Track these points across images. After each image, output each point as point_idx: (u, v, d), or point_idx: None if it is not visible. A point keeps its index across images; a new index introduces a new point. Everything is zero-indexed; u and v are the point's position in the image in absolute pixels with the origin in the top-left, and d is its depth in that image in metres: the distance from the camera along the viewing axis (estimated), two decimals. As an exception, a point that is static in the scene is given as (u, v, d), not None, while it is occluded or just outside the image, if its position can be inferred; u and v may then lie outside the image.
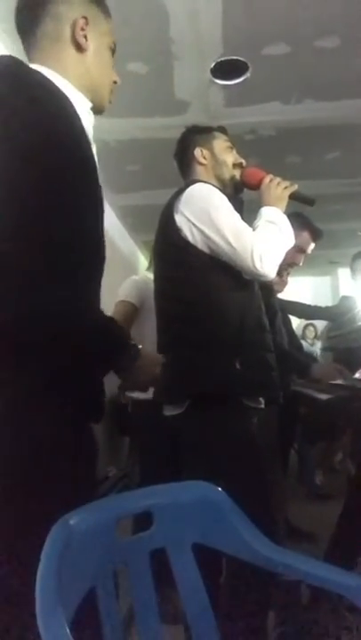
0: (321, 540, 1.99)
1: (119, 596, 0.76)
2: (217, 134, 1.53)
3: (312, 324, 6.47)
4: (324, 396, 1.74)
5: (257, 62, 2.45)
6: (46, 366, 0.80)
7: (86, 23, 0.95)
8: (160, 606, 0.82)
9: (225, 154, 1.51)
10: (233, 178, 1.49)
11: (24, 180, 0.76)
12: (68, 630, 0.55)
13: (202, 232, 1.33)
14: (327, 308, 4.05)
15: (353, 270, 3.14)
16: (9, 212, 0.76)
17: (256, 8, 2.09)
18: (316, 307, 3.81)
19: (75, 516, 0.72)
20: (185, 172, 1.55)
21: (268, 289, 1.81)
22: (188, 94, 2.70)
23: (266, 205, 1.40)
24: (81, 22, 0.94)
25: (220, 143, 1.52)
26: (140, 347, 0.95)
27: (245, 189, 1.52)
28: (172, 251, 1.39)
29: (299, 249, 2.02)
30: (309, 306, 3.66)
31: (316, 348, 6.06)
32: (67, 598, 0.63)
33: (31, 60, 0.96)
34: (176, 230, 1.37)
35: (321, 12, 2.12)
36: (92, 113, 1.02)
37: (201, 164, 1.50)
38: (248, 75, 2.54)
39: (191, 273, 1.36)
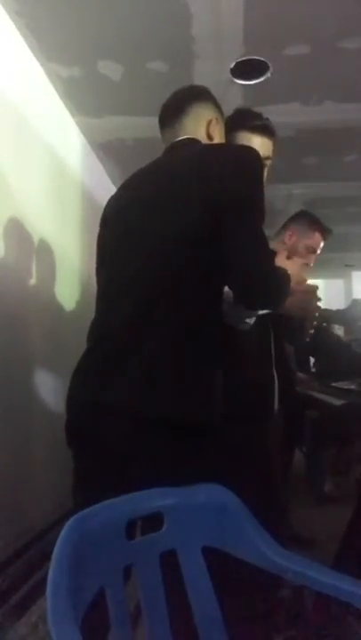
0: (323, 545, 1.97)
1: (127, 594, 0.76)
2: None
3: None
4: (337, 402, 1.72)
5: (278, 62, 2.44)
6: None
7: (217, 122, 1.26)
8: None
9: None
10: None
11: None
12: (78, 629, 0.56)
13: None
14: (338, 311, 4.02)
15: None
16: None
17: (278, 8, 2.08)
18: (326, 309, 3.78)
19: (86, 515, 0.72)
20: None
21: None
22: (207, 93, 2.69)
23: None
24: (214, 121, 1.25)
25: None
26: None
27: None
28: None
29: (311, 249, 2.00)
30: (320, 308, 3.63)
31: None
32: (78, 596, 0.63)
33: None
34: None
35: (343, 12, 2.10)
36: None
37: None
38: (268, 75, 2.53)
39: None
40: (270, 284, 1.08)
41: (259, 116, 1.47)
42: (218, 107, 1.29)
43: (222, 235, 1.02)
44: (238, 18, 2.13)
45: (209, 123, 1.25)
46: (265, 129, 1.44)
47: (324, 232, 2.06)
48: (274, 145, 1.47)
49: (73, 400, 1.09)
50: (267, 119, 1.46)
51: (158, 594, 0.80)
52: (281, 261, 1.28)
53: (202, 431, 1.00)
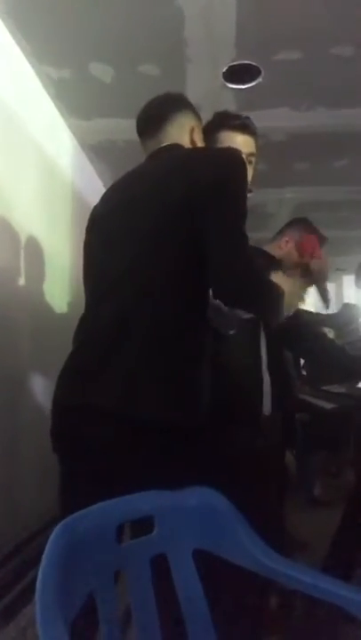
0: (314, 549, 1.97)
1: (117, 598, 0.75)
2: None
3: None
4: (328, 405, 1.72)
5: (270, 67, 2.45)
6: None
7: (199, 128, 1.30)
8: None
9: None
10: None
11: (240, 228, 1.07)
12: (67, 634, 0.55)
13: None
14: (330, 315, 4.02)
15: (358, 278, 3.12)
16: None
17: (270, 13, 2.09)
18: (318, 314, 3.79)
19: (76, 518, 0.71)
20: None
21: None
22: (199, 97, 2.67)
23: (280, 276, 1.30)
24: (196, 129, 1.28)
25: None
26: None
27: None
28: None
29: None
30: (311, 312, 3.64)
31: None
32: (67, 600, 0.62)
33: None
34: None
35: (336, 19, 2.11)
36: None
37: None
38: (260, 79, 2.54)
39: None
40: (247, 281, 1.06)
41: (237, 115, 1.49)
42: (197, 114, 1.31)
43: (202, 234, 1.02)
44: (231, 22, 2.14)
45: (192, 130, 1.27)
46: (245, 127, 1.45)
47: (321, 241, 2.07)
48: (256, 143, 1.48)
49: (57, 403, 1.08)
50: (246, 117, 1.48)
51: (148, 597, 0.80)
52: (278, 278, 1.24)
53: (187, 432, 1.00)
